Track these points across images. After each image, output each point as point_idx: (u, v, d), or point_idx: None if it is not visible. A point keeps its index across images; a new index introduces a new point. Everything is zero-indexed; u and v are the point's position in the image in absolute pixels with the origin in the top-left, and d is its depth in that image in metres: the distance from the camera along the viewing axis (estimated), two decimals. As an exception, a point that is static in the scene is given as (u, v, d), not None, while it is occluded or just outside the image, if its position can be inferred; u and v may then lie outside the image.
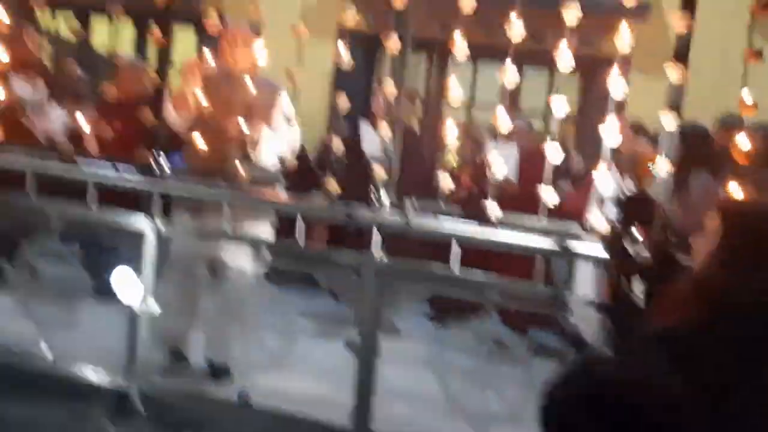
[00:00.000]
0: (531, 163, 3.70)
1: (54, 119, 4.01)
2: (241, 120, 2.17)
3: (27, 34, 3.98)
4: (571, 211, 3.59)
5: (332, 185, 1.88)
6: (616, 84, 1.70)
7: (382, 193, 1.83)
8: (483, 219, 1.79)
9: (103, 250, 2.20)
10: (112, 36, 6.01)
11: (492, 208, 1.77)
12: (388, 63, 1.92)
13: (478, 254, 1.90)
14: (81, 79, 5.12)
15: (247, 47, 2.41)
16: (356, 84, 5.43)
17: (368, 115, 4.71)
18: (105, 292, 2.17)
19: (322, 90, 5.44)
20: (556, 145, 1.80)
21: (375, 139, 3.53)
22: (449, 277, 1.79)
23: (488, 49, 5.34)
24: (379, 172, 1.86)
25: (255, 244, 1.95)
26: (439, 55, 5.68)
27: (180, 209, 2.18)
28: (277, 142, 2.40)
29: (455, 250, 1.81)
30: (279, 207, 1.96)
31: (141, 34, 6.06)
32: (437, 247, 1.97)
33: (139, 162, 2.03)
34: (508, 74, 1.83)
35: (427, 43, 5.15)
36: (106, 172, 2.07)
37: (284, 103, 2.49)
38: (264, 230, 2.10)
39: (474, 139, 4.23)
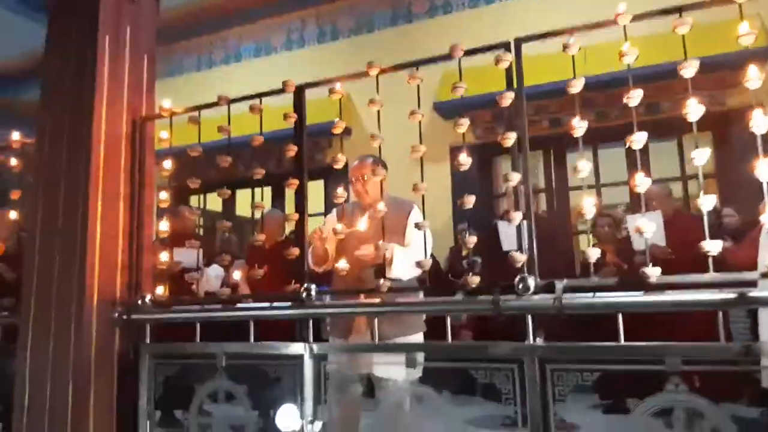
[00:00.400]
0: (678, 226, 3.50)
1: (211, 277, 4.45)
2: (370, 246, 2.32)
3: (183, 211, 4.61)
4: (736, 265, 3.24)
5: (473, 280, 1.86)
6: (761, 124, 1.58)
7: (528, 278, 1.77)
8: (642, 285, 1.67)
9: (268, 385, 2.28)
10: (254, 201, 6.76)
11: (650, 271, 1.66)
12: (510, 163, 1.95)
13: (638, 329, 1.74)
14: (230, 240, 5.71)
15: (373, 178, 2.62)
16: (474, 191, 5.56)
17: (496, 215, 4.71)
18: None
19: (446, 204, 5.62)
20: (711, 197, 1.67)
21: (511, 232, 3.56)
22: (621, 350, 1.65)
23: (603, 133, 5.31)
24: (520, 258, 1.82)
25: (407, 348, 1.92)
26: (555, 148, 5.74)
27: (332, 333, 2.25)
28: (411, 253, 2.50)
29: (620, 323, 1.68)
30: (424, 309, 1.95)
31: (278, 194, 6.78)
32: (590, 328, 1.85)
33: (290, 295, 2.16)
34: (636, 143, 1.76)
35: (540, 139, 5.24)
36: (261, 307, 2.21)
37: (415, 215, 2.63)
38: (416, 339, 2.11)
39: (611, 217, 4.11)
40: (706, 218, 1.66)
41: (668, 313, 1.73)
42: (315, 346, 2.06)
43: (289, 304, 2.14)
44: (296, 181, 2.19)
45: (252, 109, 2.33)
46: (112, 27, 2.43)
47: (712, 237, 1.61)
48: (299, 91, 2.30)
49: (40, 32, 2.56)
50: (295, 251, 2.15)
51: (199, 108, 2.40)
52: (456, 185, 5.79)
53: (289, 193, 2.34)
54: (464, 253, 5.06)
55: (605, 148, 5.65)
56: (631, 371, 1.66)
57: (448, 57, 2.03)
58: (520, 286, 1.78)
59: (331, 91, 2.21)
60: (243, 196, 7.20)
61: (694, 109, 1.67)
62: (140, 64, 2.44)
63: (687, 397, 1.56)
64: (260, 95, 2.35)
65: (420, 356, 1.99)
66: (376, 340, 2.00)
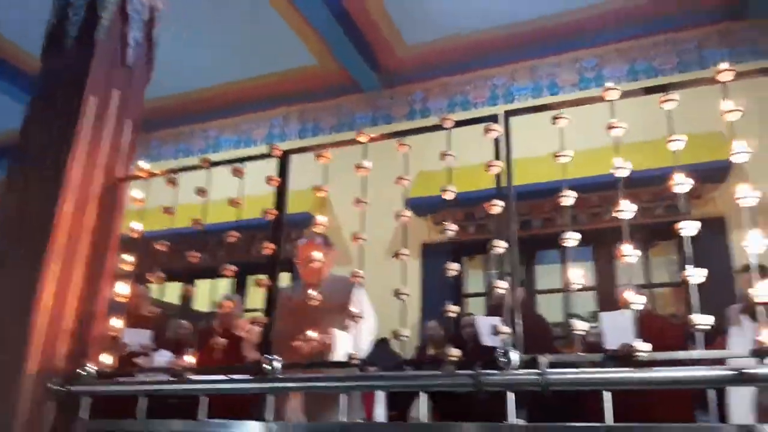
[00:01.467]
0: (649, 326, 3.46)
1: (159, 362, 4.17)
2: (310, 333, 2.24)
3: (138, 291, 4.40)
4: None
5: (453, 353, 1.73)
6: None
7: (511, 350, 1.66)
8: (630, 361, 1.57)
9: None
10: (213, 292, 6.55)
11: (640, 346, 1.56)
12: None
13: (623, 408, 1.62)
14: (184, 328, 5.43)
15: (321, 258, 2.58)
16: (444, 289, 5.50)
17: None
18: None
19: (415, 302, 5.49)
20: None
21: (489, 324, 3.45)
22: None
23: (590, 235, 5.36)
24: (504, 330, 1.71)
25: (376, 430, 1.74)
26: (525, 250, 5.75)
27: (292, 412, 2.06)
28: (353, 338, 2.42)
29: (607, 400, 1.55)
30: (403, 384, 1.78)
31: (240, 286, 6.58)
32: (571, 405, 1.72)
33: (250, 367, 1.99)
34: (625, 252, 1.74)
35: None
36: (216, 381, 2.01)
37: (358, 297, 2.56)
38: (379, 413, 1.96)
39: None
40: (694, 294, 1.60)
41: (645, 392, 1.63)
42: (275, 426, 1.86)
43: (248, 377, 1.96)
44: (265, 280, 2.09)
45: (236, 171, 2.28)
46: (100, 89, 2.40)
47: (685, 338, 1.56)
48: (285, 156, 2.26)
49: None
50: (258, 323, 2.01)
51: (176, 171, 2.33)
52: (426, 283, 5.71)
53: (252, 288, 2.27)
54: (431, 351, 4.89)
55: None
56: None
57: (438, 127, 2.04)
58: (503, 359, 1.65)
59: (318, 156, 2.17)
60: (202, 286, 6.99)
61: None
62: (124, 128, 2.40)
63: None
64: (243, 159, 2.31)
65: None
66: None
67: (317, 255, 2.64)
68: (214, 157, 7.01)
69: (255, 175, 2.33)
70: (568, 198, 1.84)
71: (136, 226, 2.29)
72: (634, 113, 2.44)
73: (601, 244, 5.16)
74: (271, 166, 2.28)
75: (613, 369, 1.57)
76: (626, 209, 1.74)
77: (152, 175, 2.35)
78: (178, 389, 2.05)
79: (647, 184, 4.94)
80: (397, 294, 1.89)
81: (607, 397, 1.55)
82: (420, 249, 5.69)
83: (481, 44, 5.73)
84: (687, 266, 1.62)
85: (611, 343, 3.27)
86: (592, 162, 4.74)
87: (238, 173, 2.29)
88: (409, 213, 2.09)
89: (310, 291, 2.52)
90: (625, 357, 1.57)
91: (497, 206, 1.89)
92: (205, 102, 6.88)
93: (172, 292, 6.93)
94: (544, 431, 1.61)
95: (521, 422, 1.61)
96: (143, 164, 2.35)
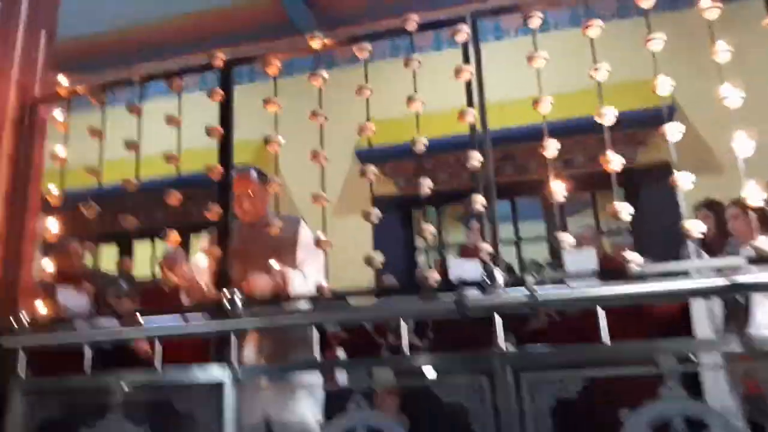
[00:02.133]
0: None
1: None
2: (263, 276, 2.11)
3: (70, 246, 4.03)
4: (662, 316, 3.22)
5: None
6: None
7: (495, 270, 1.55)
8: (622, 275, 1.50)
9: (177, 425, 1.85)
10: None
11: (632, 256, 1.49)
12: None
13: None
14: (126, 292, 5.10)
15: (256, 196, 2.38)
16: (394, 243, 5.41)
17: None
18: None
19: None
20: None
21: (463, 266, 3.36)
22: (608, 353, 1.44)
23: (521, 186, 5.38)
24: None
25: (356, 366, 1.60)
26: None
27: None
28: (309, 277, 2.28)
29: (602, 318, 1.48)
30: (377, 315, 1.65)
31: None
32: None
33: (208, 306, 1.80)
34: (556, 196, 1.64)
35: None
36: (173, 324, 1.81)
37: (304, 232, 2.41)
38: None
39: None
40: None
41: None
42: (240, 369, 1.69)
43: (209, 321, 1.77)
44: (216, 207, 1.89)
45: (171, 121, 2.04)
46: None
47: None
48: (227, 67, 2.05)
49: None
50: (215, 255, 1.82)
51: (108, 86, 2.07)
52: (377, 237, 5.58)
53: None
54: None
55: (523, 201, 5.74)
56: (621, 376, 1.44)
57: (401, 32, 1.88)
58: (487, 280, 1.55)
59: (265, 103, 1.96)
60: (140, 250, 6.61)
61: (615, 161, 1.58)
62: (36, 39, 2.07)
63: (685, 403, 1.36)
64: (181, 72, 2.07)
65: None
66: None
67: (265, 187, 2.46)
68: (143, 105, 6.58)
69: (192, 128, 2.12)
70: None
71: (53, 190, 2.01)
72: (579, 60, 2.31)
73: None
74: (208, 116, 2.07)
75: (606, 283, 1.49)
76: (614, 159, 1.63)
77: (74, 93, 2.07)
78: (130, 335, 1.84)
79: (593, 131, 4.99)
80: (369, 261, 1.71)
81: (601, 314, 1.48)
82: (370, 202, 5.52)
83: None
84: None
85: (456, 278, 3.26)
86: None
87: (174, 123, 2.04)
88: (374, 168, 1.89)
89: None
90: (618, 270, 1.49)
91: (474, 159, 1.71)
92: (127, 44, 6.38)
93: (107, 259, 6.54)
94: (534, 357, 1.53)
95: (511, 348, 1.52)
96: (63, 79, 2.05)
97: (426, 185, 1.72)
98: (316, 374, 2.23)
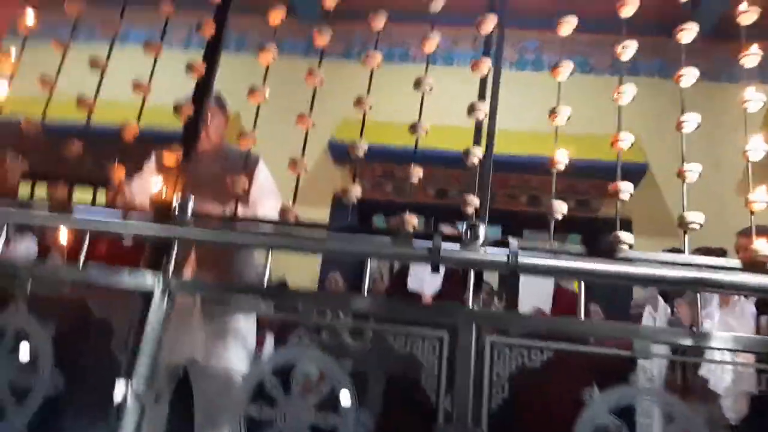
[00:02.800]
0: (562, 300, 3.47)
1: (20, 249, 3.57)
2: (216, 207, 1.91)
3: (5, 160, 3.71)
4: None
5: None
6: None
7: (479, 225, 1.43)
8: (611, 256, 1.40)
9: (89, 331, 1.63)
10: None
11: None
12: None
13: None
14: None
15: (211, 120, 2.26)
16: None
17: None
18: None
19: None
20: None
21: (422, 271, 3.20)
22: (582, 327, 1.33)
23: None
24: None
25: (299, 298, 1.43)
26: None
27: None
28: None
29: (581, 292, 1.38)
30: (342, 249, 1.49)
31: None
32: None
33: (156, 209, 1.61)
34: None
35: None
36: (110, 219, 1.61)
37: (263, 170, 2.26)
38: None
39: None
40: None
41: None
42: (173, 280, 1.50)
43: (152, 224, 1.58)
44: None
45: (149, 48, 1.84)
46: None
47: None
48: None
49: None
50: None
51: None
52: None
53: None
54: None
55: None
56: (592, 354, 1.33)
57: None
58: (469, 234, 1.42)
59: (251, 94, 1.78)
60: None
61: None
62: None
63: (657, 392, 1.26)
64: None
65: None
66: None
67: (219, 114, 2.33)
68: (120, 54, 6.25)
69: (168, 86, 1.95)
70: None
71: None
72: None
73: (517, 227, 5.15)
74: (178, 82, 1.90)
75: (592, 258, 1.39)
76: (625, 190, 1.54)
77: None
78: (57, 222, 1.62)
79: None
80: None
81: (582, 289, 1.38)
82: (331, 199, 5.38)
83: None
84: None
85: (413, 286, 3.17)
86: (516, 142, 4.72)
87: (151, 50, 1.81)
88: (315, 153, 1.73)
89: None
90: (608, 251, 1.40)
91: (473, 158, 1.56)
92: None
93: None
94: (503, 319, 1.40)
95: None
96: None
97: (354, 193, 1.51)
98: (251, 321, 2.04)
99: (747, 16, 1.48)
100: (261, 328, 4.07)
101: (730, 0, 1.56)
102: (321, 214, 5.35)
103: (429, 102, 1.64)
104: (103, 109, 1.98)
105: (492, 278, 4.37)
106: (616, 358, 1.35)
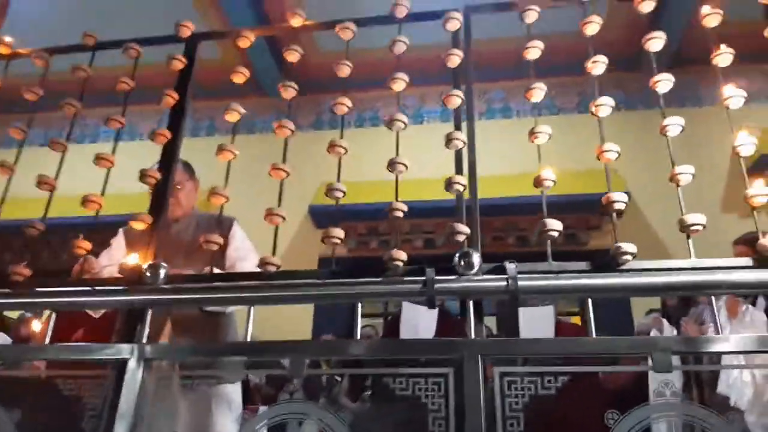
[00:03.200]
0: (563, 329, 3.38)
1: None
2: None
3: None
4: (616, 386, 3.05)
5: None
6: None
7: (472, 253, 1.35)
8: (612, 267, 1.32)
9: (57, 409, 1.47)
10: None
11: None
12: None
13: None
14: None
15: (182, 188, 2.22)
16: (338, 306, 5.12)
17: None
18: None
19: (307, 315, 5.05)
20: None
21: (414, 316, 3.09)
22: (595, 346, 1.23)
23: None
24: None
25: (290, 351, 1.31)
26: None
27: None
28: None
29: (589, 310, 1.29)
30: (327, 294, 1.39)
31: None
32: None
33: (126, 276, 1.50)
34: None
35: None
36: (78, 290, 1.49)
37: (237, 232, 2.18)
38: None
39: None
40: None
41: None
42: (148, 347, 1.38)
43: (121, 288, 1.47)
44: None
45: (101, 161, 1.80)
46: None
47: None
48: (193, 41, 1.88)
49: None
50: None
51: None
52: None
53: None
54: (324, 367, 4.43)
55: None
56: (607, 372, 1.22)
57: (388, 20, 1.75)
58: (462, 263, 1.34)
59: (219, 151, 1.68)
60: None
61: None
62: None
63: (683, 407, 1.15)
64: (143, 40, 1.89)
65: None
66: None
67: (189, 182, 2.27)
68: (93, 148, 6.25)
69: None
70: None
71: None
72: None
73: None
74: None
75: (594, 273, 1.31)
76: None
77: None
78: (16, 303, 1.50)
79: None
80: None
81: (590, 305, 1.29)
82: (317, 262, 5.27)
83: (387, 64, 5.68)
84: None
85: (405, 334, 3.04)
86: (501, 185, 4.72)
87: (104, 162, 1.70)
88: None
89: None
90: (610, 264, 1.32)
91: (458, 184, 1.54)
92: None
93: None
94: (510, 346, 1.30)
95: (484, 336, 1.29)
96: None
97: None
98: (236, 388, 1.90)
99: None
100: (252, 396, 3.87)
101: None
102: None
103: (405, 156, 1.57)
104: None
105: (490, 322, 4.25)
106: (627, 378, 1.24)
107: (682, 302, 3.07)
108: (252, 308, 1.42)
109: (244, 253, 2.07)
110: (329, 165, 1.69)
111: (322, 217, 5.35)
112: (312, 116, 6.04)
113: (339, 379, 3.42)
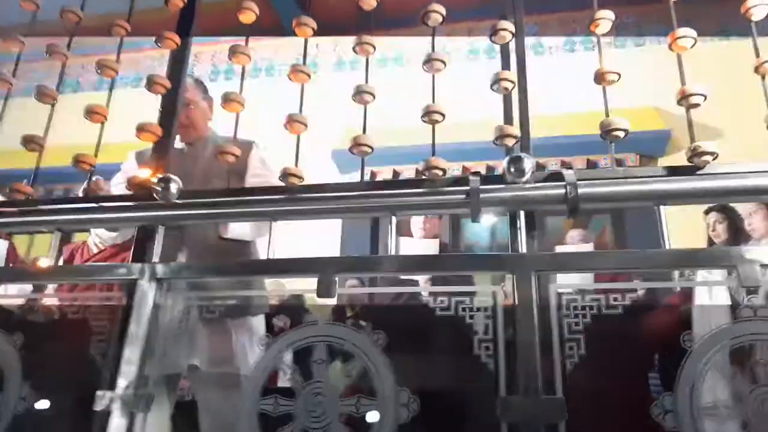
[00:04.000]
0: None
1: None
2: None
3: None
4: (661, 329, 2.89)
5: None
6: None
7: (524, 158, 1.16)
8: (692, 170, 1.13)
9: (60, 329, 1.36)
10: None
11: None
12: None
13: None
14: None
15: (195, 106, 2.06)
16: (363, 242, 5.04)
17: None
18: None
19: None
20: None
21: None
22: (660, 259, 1.05)
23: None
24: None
25: (320, 267, 1.15)
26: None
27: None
28: None
29: (661, 216, 1.11)
30: (358, 205, 1.23)
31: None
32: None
33: (134, 193, 1.36)
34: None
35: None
36: (85, 206, 1.35)
37: (257, 155, 2.02)
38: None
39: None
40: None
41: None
42: (160, 267, 1.24)
43: (130, 204, 1.33)
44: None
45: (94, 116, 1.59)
46: None
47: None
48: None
49: None
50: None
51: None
52: (346, 236, 5.22)
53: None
54: (349, 313, 4.35)
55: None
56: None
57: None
58: (512, 169, 1.16)
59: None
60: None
61: None
62: None
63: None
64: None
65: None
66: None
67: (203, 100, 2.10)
68: (74, 98, 6.11)
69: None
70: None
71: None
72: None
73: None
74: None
75: (669, 177, 1.13)
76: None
77: None
78: (22, 222, 1.37)
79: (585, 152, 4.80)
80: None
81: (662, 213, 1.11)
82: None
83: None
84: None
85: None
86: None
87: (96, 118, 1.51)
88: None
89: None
90: (689, 168, 1.13)
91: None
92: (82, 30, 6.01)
93: None
94: (568, 260, 1.12)
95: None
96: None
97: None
98: (260, 320, 1.78)
99: None
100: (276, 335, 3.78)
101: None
102: (332, 221, 5.14)
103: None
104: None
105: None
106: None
107: (733, 237, 2.84)
108: (272, 237, 1.26)
109: (264, 179, 1.92)
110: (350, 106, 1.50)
111: (345, 161, 5.19)
112: (332, 56, 5.80)
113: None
